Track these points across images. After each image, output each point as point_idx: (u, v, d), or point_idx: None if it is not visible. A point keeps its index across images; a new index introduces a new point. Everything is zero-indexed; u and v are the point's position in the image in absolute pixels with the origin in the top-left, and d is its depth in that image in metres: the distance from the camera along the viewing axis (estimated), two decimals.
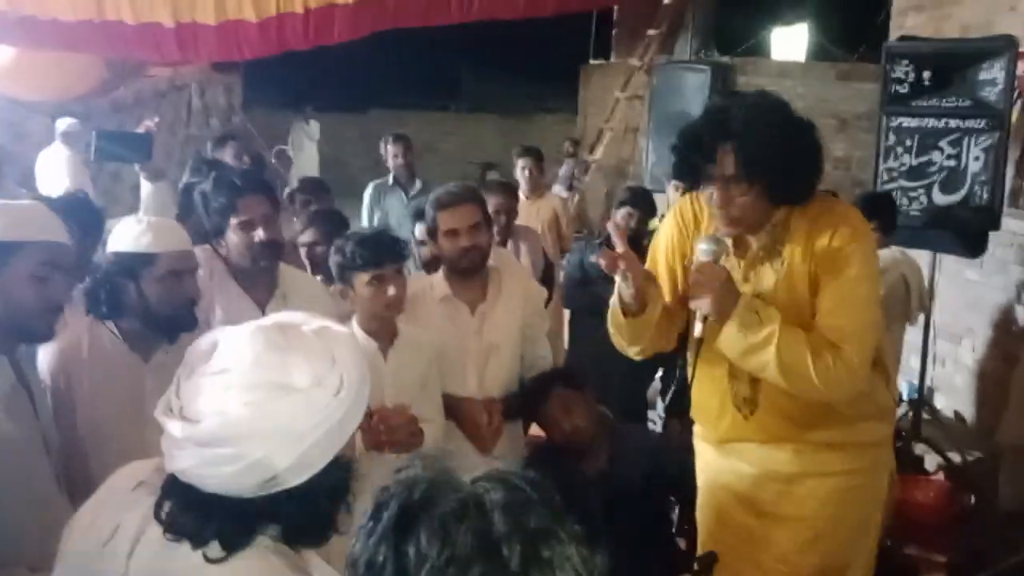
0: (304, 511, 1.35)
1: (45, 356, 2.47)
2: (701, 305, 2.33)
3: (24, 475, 2.08)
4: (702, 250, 2.37)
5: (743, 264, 2.45)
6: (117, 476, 1.49)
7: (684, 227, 2.57)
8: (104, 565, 1.37)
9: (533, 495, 1.05)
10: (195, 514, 1.32)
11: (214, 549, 1.32)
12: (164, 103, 10.33)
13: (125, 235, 2.54)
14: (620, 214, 4.94)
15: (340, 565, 1.17)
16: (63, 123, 8.31)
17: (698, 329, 2.37)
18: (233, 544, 1.32)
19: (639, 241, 4.15)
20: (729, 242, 2.44)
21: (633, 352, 2.60)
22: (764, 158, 2.26)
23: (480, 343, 3.13)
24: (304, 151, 14.11)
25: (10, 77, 6.63)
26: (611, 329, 2.54)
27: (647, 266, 2.59)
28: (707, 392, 2.60)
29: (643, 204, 5.01)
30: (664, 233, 2.64)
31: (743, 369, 2.43)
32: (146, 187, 3.13)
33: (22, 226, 2.07)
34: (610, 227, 2.42)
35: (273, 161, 12.24)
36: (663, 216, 3.42)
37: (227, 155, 5.53)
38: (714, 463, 2.68)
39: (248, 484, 1.31)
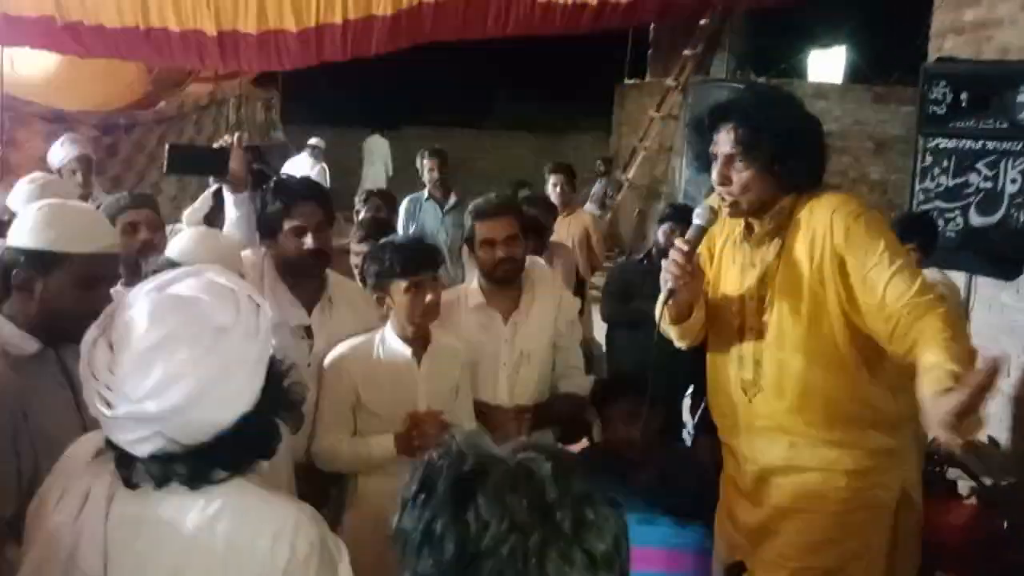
0: (251, 437, 1.47)
1: None
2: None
3: None
4: (696, 214, 2.49)
5: (750, 248, 2.53)
6: (73, 449, 1.59)
7: (711, 243, 2.65)
8: (81, 535, 1.45)
9: (571, 463, 1.10)
10: (156, 466, 1.42)
11: (182, 490, 1.43)
12: (205, 116, 10.46)
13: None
14: (663, 230, 4.96)
15: None
16: (313, 139, 11.33)
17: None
18: (197, 482, 1.43)
19: None
20: (742, 225, 2.52)
21: (683, 344, 2.71)
22: (763, 136, 2.36)
23: (512, 352, 3.16)
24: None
25: (55, 86, 6.77)
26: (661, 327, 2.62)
27: None
28: (714, 378, 2.67)
29: (685, 220, 5.02)
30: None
31: (748, 348, 2.51)
32: (229, 199, 3.22)
33: (71, 239, 2.10)
34: (678, 243, 2.46)
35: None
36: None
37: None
38: (727, 466, 2.71)
39: (226, 421, 1.42)
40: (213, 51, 5.49)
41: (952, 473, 5.15)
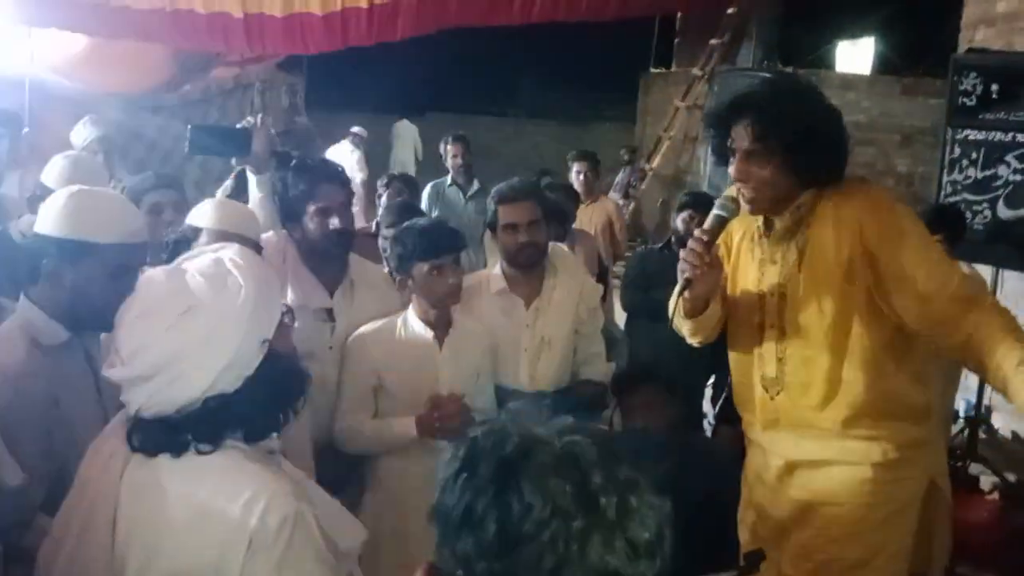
0: (254, 409, 1.56)
1: None
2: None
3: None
4: (717, 204, 2.45)
5: (769, 244, 2.49)
6: (120, 414, 1.68)
7: (727, 239, 2.63)
8: (103, 485, 1.57)
9: (615, 447, 1.09)
10: (164, 432, 1.53)
11: (191, 455, 1.52)
12: (230, 101, 10.49)
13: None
14: (681, 217, 4.93)
15: None
16: (356, 128, 11.90)
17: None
18: (203, 449, 1.53)
19: None
20: (761, 221, 2.49)
21: (695, 341, 2.68)
22: (780, 132, 2.30)
23: (533, 337, 3.16)
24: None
25: (82, 67, 6.80)
26: (674, 321, 2.60)
27: None
28: (739, 374, 2.65)
29: (704, 208, 4.99)
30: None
31: (769, 345, 2.48)
32: (252, 179, 3.23)
33: (102, 228, 2.09)
34: (697, 232, 2.44)
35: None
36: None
37: None
38: (752, 459, 2.68)
39: (192, 397, 1.51)
40: (239, 34, 5.49)
41: (974, 469, 5.12)
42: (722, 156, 2.49)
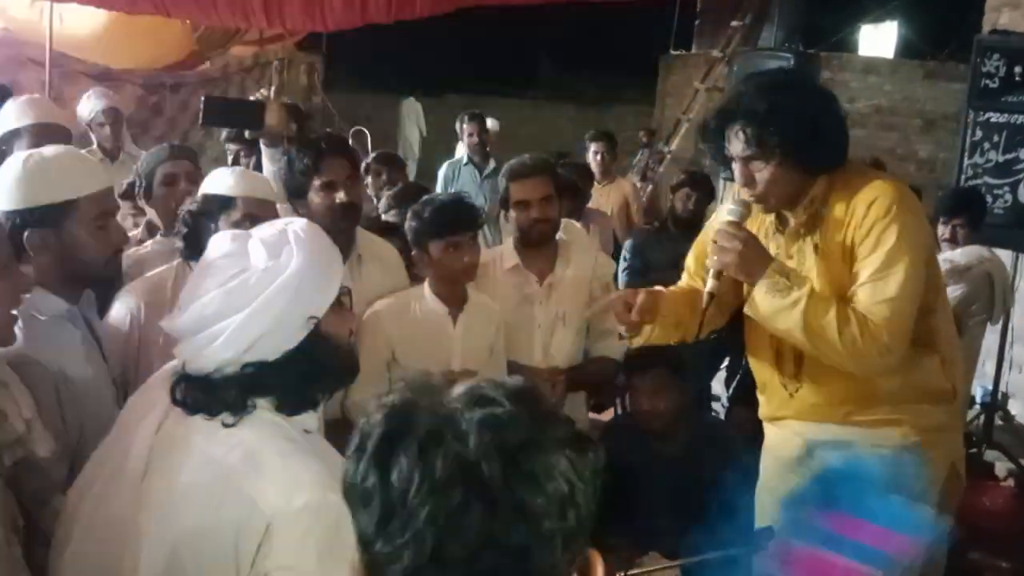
0: (288, 382, 1.57)
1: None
2: (722, 264, 2.33)
3: (103, 416, 2.15)
4: (728, 210, 2.40)
5: (784, 240, 2.45)
6: (161, 371, 1.74)
7: None
8: (140, 433, 1.62)
9: (510, 407, 1.02)
10: (201, 391, 1.56)
11: (224, 417, 1.55)
12: (248, 79, 10.50)
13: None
14: (679, 196, 4.91)
15: None
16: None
17: (710, 284, 2.37)
18: (235, 411, 1.55)
19: (699, 224, 4.11)
20: (772, 217, 2.46)
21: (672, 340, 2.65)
22: (773, 132, 2.26)
23: (547, 313, 3.16)
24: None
25: (103, 44, 6.82)
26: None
27: (696, 249, 2.66)
28: (757, 369, 2.63)
29: (701, 186, 4.95)
30: (714, 218, 2.66)
31: (788, 345, 2.43)
32: (266, 153, 3.24)
33: (70, 184, 2.08)
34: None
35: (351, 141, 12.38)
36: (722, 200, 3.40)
37: None
38: (771, 440, 2.67)
39: (228, 358, 1.54)
40: (258, 10, 5.46)
41: (990, 455, 5.09)
42: (723, 163, 2.46)
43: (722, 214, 2.45)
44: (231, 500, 1.49)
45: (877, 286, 2.26)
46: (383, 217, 3.97)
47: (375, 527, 1.01)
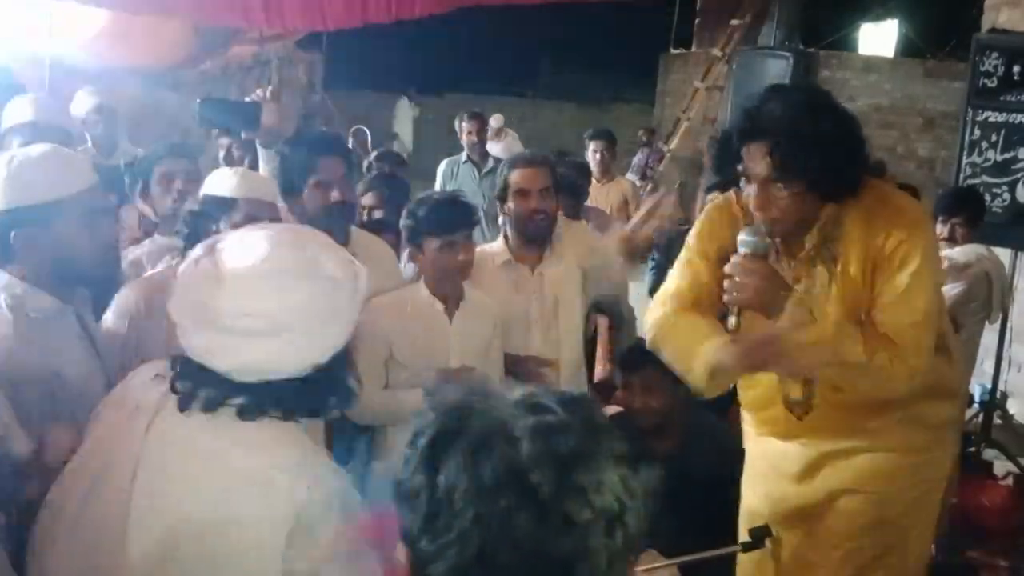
0: (309, 397, 1.54)
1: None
2: (739, 301, 2.22)
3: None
4: (744, 242, 2.23)
5: (794, 265, 2.33)
6: (140, 370, 1.69)
7: (718, 223, 2.47)
8: (125, 436, 1.56)
9: (566, 417, 1.01)
10: (214, 390, 1.49)
11: (226, 416, 1.49)
12: (248, 78, 10.51)
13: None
14: (709, 198, 4.89)
15: None
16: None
17: (731, 322, 2.25)
18: (247, 415, 1.49)
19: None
20: (778, 240, 2.33)
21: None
22: (801, 158, 2.13)
23: (543, 303, 3.18)
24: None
25: (103, 42, 6.81)
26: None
27: (682, 262, 2.52)
28: (756, 391, 2.53)
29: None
30: (697, 227, 2.55)
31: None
32: (262, 153, 3.24)
33: (56, 183, 2.05)
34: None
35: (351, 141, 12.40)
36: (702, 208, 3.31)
37: None
38: (765, 448, 2.61)
39: (262, 374, 1.47)
40: (257, 9, 5.46)
41: (988, 454, 5.10)
42: (730, 175, 2.34)
43: (738, 245, 2.26)
44: (250, 495, 1.46)
45: (902, 309, 2.20)
46: (361, 201, 3.97)
47: (421, 524, 1.01)
